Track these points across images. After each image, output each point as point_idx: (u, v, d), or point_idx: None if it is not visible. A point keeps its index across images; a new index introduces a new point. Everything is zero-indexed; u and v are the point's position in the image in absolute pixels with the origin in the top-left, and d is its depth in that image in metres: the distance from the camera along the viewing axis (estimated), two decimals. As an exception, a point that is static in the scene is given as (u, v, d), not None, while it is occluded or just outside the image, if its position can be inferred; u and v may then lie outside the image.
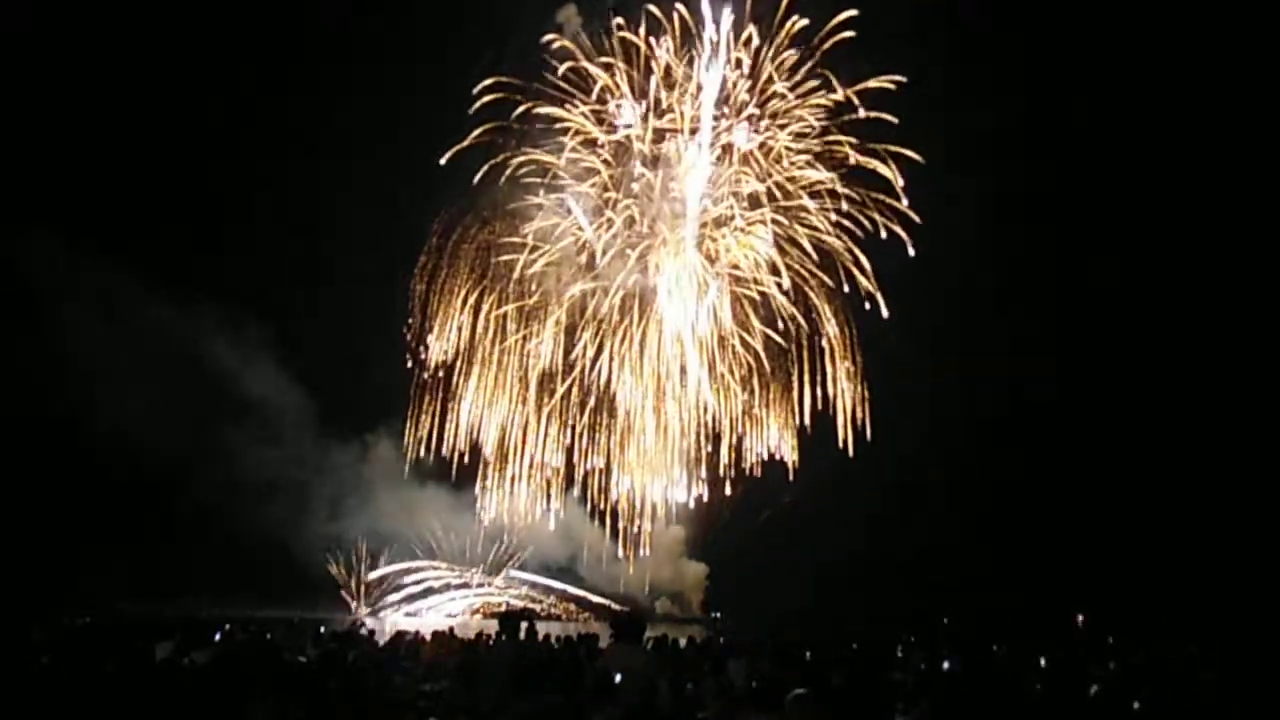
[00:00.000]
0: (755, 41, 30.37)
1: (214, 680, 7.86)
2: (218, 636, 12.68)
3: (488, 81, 30.07)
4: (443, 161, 30.09)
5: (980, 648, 16.48)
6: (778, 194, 31.77)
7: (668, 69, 30.70)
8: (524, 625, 8.57)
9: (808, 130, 31.04)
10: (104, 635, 13.22)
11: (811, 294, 32.46)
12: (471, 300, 33.37)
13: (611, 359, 32.70)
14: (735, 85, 30.99)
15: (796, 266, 32.26)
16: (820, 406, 32.90)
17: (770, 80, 30.86)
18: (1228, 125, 31.60)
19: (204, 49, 32.65)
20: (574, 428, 33.78)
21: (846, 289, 31.94)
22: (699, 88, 30.72)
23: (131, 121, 32.22)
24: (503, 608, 34.32)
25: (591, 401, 33.53)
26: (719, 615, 40.20)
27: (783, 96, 30.95)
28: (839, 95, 30.10)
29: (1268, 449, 30.19)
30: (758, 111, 31.30)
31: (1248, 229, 31.59)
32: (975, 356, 33.54)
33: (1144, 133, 32.62)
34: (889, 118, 29.77)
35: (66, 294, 30.69)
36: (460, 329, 33.30)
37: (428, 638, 14.20)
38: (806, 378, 32.97)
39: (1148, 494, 32.71)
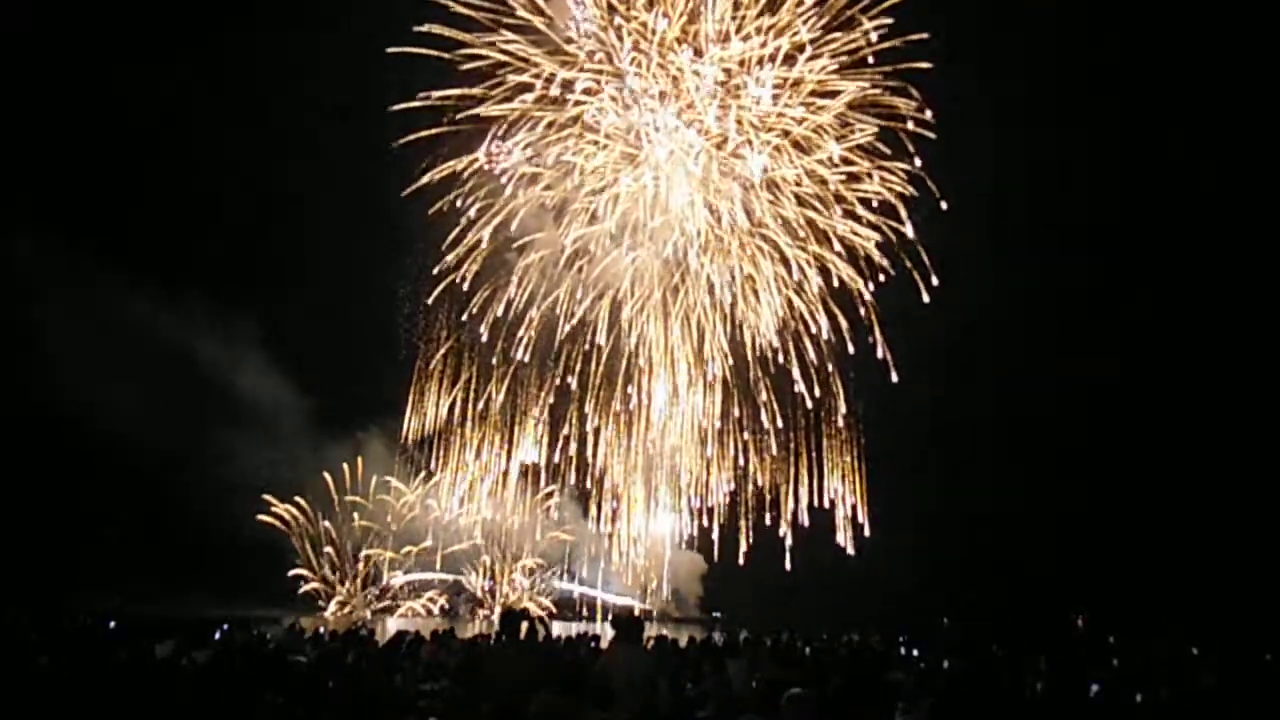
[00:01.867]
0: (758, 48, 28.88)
1: (214, 680, 7.86)
2: (218, 636, 12.70)
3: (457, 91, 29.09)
4: (405, 194, 28.99)
5: (980, 648, 16.51)
6: (781, 231, 30.40)
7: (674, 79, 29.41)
8: (524, 625, 8.53)
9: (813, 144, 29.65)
10: (104, 635, 13.25)
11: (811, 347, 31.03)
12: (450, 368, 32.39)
13: (598, 433, 31.93)
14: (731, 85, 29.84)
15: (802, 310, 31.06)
16: (818, 503, 32.25)
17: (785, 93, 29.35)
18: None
19: (200, 48, 32.67)
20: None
21: (850, 342, 30.40)
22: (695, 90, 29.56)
23: (130, 122, 32.21)
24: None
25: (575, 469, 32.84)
26: (719, 615, 40.14)
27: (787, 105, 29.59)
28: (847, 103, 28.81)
29: (1267, 449, 30.20)
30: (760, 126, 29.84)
31: (1248, 241, 31.45)
32: (974, 361, 33.53)
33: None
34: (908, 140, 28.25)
35: (66, 294, 30.64)
36: (441, 395, 32.44)
37: (427, 638, 14.18)
38: (804, 471, 32.21)
39: (1147, 494, 32.71)
